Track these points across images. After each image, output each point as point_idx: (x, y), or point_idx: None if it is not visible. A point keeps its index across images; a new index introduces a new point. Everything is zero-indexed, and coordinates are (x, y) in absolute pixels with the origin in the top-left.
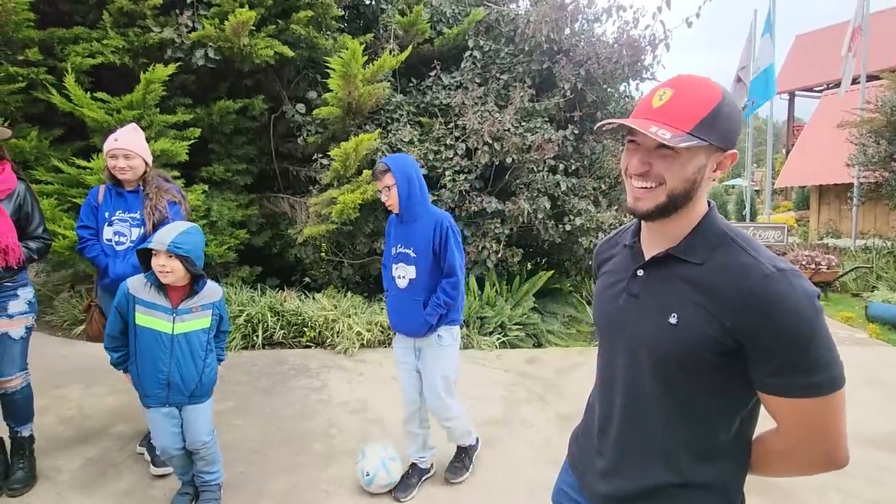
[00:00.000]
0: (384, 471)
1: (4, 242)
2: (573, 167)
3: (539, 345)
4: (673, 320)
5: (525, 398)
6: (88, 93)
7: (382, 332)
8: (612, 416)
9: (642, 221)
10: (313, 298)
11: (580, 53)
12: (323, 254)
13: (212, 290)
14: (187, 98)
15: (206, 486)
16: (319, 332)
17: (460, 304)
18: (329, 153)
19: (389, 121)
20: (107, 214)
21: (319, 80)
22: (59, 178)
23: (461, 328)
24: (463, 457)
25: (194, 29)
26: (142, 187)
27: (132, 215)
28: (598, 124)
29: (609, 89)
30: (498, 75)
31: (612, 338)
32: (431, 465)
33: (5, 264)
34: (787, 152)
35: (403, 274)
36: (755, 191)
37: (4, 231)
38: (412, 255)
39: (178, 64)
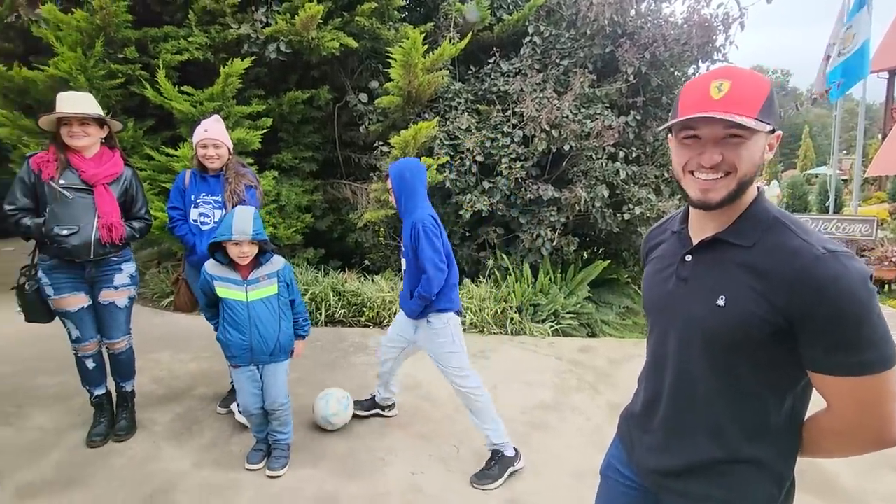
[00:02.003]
0: (335, 416)
1: (110, 220)
2: (634, 154)
3: (593, 335)
4: (721, 302)
5: (576, 386)
6: (176, 87)
7: None
8: (661, 395)
9: (691, 209)
10: (372, 280)
11: (645, 36)
12: (381, 238)
13: (275, 261)
14: (260, 90)
15: (278, 444)
16: (377, 313)
17: (446, 296)
18: (389, 141)
19: (448, 108)
20: (193, 197)
21: (381, 70)
22: (151, 165)
23: (458, 314)
24: (493, 463)
25: (268, 24)
26: (223, 172)
27: (214, 198)
28: (667, 124)
29: (676, 73)
30: (558, 61)
31: (662, 321)
32: (388, 406)
33: (110, 240)
34: (884, 137)
35: (403, 266)
36: (842, 180)
37: (110, 211)
38: (403, 249)
39: (253, 58)
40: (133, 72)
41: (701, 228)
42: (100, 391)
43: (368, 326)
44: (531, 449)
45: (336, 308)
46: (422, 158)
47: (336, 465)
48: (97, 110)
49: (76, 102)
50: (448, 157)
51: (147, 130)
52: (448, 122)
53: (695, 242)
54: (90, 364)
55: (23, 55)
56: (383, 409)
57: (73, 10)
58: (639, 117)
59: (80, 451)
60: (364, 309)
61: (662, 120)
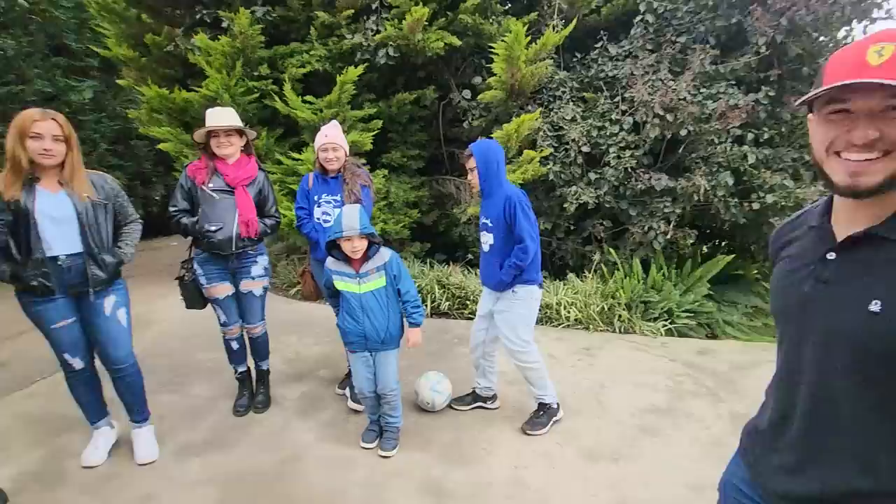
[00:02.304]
0: (436, 394)
1: (247, 217)
2: (766, 136)
3: (713, 336)
4: (875, 308)
5: (693, 391)
6: (300, 97)
7: (539, 309)
8: (793, 412)
9: (835, 199)
10: (476, 274)
11: None
12: None
13: (382, 255)
14: (371, 94)
15: (389, 427)
16: None
17: (535, 267)
18: (492, 136)
19: (552, 99)
20: (315, 197)
21: (484, 66)
22: (280, 169)
23: (540, 287)
24: (541, 414)
25: (378, 31)
26: (341, 174)
27: (334, 197)
28: (809, 95)
29: (821, 38)
30: (673, 38)
31: (795, 328)
32: (489, 397)
33: (247, 234)
34: None
35: (486, 240)
36: None
37: (248, 209)
38: (490, 224)
39: (365, 64)
40: (266, 87)
41: (849, 221)
42: (242, 368)
43: (472, 319)
44: (640, 454)
45: (441, 300)
46: (524, 152)
47: (442, 451)
48: (238, 122)
49: (222, 117)
50: (551, 149)
51: (277, 138)
52: (552, 113)
53: (840, 238)
54: (234, 345)
55: (181, 80)
56: (485, 400)
57: (219, 37)
58: (772, 93)
59: (229, 419)
60: (467, 302)
61: (803, 94)
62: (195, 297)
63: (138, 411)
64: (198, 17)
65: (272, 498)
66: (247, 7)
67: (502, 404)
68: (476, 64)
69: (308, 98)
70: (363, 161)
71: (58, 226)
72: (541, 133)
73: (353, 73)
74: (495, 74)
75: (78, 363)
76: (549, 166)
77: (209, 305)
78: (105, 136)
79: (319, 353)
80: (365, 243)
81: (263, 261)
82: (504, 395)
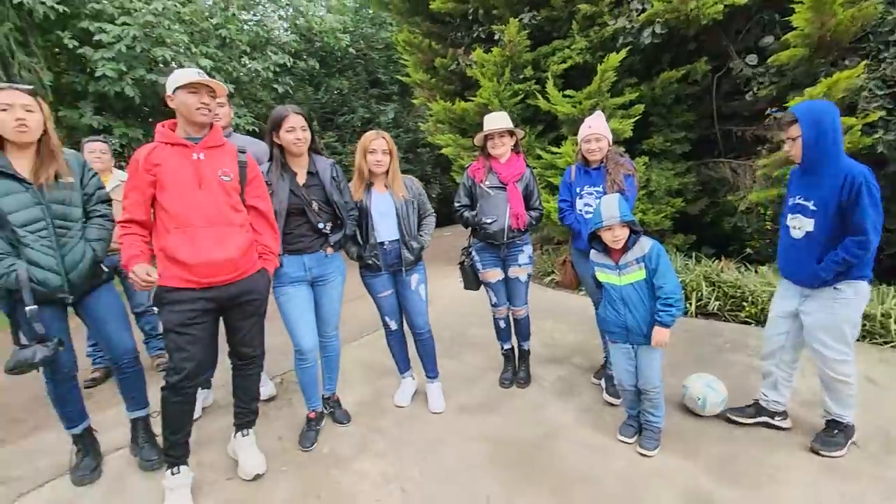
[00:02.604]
0: (711, 391)
1: (517, 211)
2: None
3: None
4: None
5: None
6: (560, 92)
7: None
8: None
9: None
10: (755, 271)
11: None
12: (768, 223)
13: (642, 245)
14: (632, 78)
15: (649, 425)
16: (761, 309)
17: (868, 260)
18: (786, 105)
19: (882, 47)
20: (577, 189)
21: (777, 21)
22: (539, 164)
23: (869, 283)
24: (836, 432)
25: (643, 10)
26: (603, 164)
27: (596, 188)
28: None
29: None
30: None
31: None
32: (778, 413)
33: (517, 226)
34: None
35: (799, 225)
36: None
37: (517, 203)
38: (811, 208)
39: (627, 48)
40: (529, 87)
41: None
42: (507, 346)
43: (749, 324)
44: None
45: (709, 300)
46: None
47: (711, 464)
48: (508, 124)
49: (497, 120)
50: (882, 112)
51: (537, 135)
52: (882, 66)
53: None
54: (502, 324)
55: (460, 93)
56: (772, 416)
57: (492, 49)
58: None
59: (495, 389)
60: (744, 303)
61: None
62: (472, 280)
63: (431, 369)
64: (475, 34)
65: (533, 465)
66: (515, 16)
67: (795, 426)
68: (765, 21)
69: (568, 92)
70: (620, 150)
71: (384, 218)
72: (864, 93)
73: (614, 59)
74: (795, 28)
75: (394, 325)
76: (877, 135)
77: (482, 288)
78: (401, 147)
79: (574, 341)
80: (626, 232)
81: (528, 250)
82: (797, 417)
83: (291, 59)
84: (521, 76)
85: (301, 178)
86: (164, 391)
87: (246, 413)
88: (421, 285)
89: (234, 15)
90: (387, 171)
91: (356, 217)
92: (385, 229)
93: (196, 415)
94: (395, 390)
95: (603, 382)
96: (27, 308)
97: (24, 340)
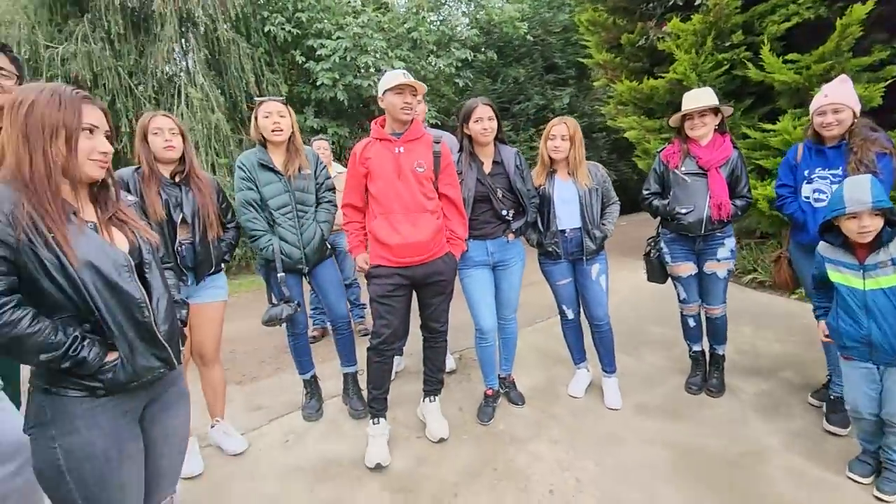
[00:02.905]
0: None
1: (720, 200)
2: None
3: None
4: None
5: None
6: (780, 58)
7: None
8: None
9: None
10: None
11: None
12: None
13: None
14: (883, 33)
15: (892, 465)
16: None
17: None
18: None
19: None
20: (806, 172)
21: None
22: (744, 144)
23: None
24: None
25: None
26: (845, 141)
27: (833, 172)
28: None
29: None
30: None
31: None
32: None
33: (718, 217)
34: None
35: None
36: None
37: (720, 191)
38: None
39: None
40: (737, 56)
41: None
42: (697, 347)
43: None
44: None
45: None
46: None
47: None
48: (713, 101)
49: (698, 98)
50: None
51: (744, 110)
52: None
53: None
54: (691, 322)
55: (648, 70)
56: None
57: (690, 16)
58: None
59: (679, 393)
60: None
61: None
62: (658, 273)
63: (608, 363)
64: (669, 3)
65: (727, 484)
66: None
67: None
68: None
69: (790, 57)
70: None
71: (566, 206)
72: None
73: (860, 10)
74: None
75: (570, 314)
76: None
77: (668, 282)
78: None
79: (781, 352)
80: (879, 223)
81: (730, 243)
82: None
83: (472, 54)
84: (728, 43)
85: (487, 167)
86: (369, 351)
87: (433, 381)
88: (602, 275)
89: (423, 18)
90: (569, 158)
91: (537, 204)
92: (567, 217)
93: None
94: (569, 380)
95: (824, 407)
96: (278, 275)
97: (274, 300)
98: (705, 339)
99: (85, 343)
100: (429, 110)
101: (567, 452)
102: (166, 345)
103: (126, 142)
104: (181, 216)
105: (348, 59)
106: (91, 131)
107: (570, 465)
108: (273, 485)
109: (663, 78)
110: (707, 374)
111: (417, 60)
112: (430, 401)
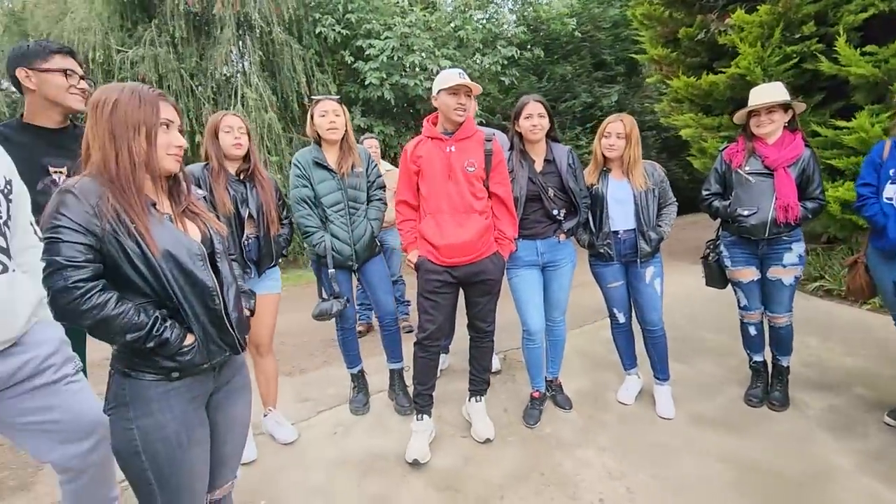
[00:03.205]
0: None
1: (787, 201)
2: None
3: None
4: None
5: None
6: (857, 50)
7: None
8: None
9: None
10: None
11: None
12: None
13: None
14: None
15: None
16: None
17: None
18: None
19: None
20: (892, 172)
21: None
22: (815, 142)
23: None
24: None
25: None
26: None
27: None
28: None
29: None
30: None
31: None
32: None
33: (785, 220)
34: None
35: None
36: None
37: (788, 192)
38: None
39: None
40: (808, 48)
41: None
42: (758, 358)
43: None
44: None
45: None
46: None
47: None
48: (783, 96)
49: (765, 93)
50: None
51: (814, 106)
52: None
53: None
54: (752, 331)
55: (706, 65)
56: None
57: (757, 7)
58: None
59: (737, 404)
60: None
61: None
62: (716, 277)
63: (661, 370)
64: None
65: None
66: None
67: None
68: None
69: (868, 49)
70: None
71: (620, 206)
72: None
73: None
74: None
75: (622, 318)
76: None
77: (727, 287)
78: None
79: (853, 366)
80: None
81: (798, 248)
82: None
83: (518, 51)
84: (797, 35)
85: (539, 165)
86: (415, 346)
87: (479, 381)
88: (657, 279)
89: (470, 16)
90: (624, 157)
91: (589, 204)
92: (620, 218)
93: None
94: (617, 385)
95: None
96: (329, 270)
97: (325, 295)
98: (767, 349)
99: (167, 324)
100: None
101: (617, 461)
102: (234, 331)
103: (187, 140)
104: (248, 211)
105: (395, 58)
106: (167, 126)
107: (620, 474)
108: (321, 476)
109: (724, 73)
110: (769, 387)
111: (463, 59)
112: (476, 401)
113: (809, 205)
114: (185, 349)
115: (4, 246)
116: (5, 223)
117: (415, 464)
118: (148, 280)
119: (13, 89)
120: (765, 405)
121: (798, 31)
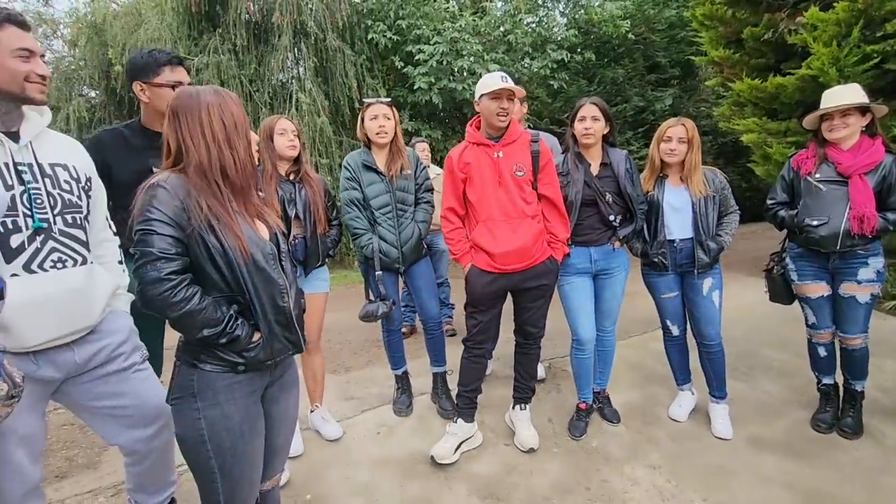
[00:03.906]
0: None
1: (862, 211)
2: None
3: None
4: None
5: None
6: None
7: None
8: None
9: None
10: None
11: None
12: None
13: None
14: None
15: None
16: None
17: None
18: None
19: None
20: None
21: None
22: None
23: None
24: None
25: None
26: None
27: None
28: None
29: None
30: None
31: None
32: None
33: (860, 231)
34: None
35: None
36: None
37: (864, 201)
38: None
39: None
40: (891, 47)
41: None
42: (828, 380)
43: None
44: None
45: None
46: None
47: None
48: (860, 99)
49: (839, 96)
50: None
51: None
52: None
53: None
54: (822, 352)
55: (773, 66)
56: None
57: (833, 4)
58: None
59: (803, 429)
60: None
61: None
62: (781, 292)
63: (717, 387)
64: None
65: None
66: None
67: None
68: None
69: None
70: None
71: (676, 214)
72: None
73: None
74: None
75: (675, 330)
76: None
77: (793, 303)
78: None
79: None
80: None
81: (876, 263)
82: None
83: (568, 55)
84: (879, 34)
85: (595, 169)
86: (463, 349)
87: (524, 389)
88: (715, 291)
89: (520, 20)
90: (684, 163)
91: (645, 210)
92: (677, 226)
93: None
94: (668, 401)
95: None
96: (376, 272)
97: (371, 297)
98: (838, 370)
99: (238, 322)
100: None
101: (668, 480)
102: (297, 328)
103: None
104: (294, 212)
105: (444, 63)
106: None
107: (672, 494)
108: (365, 474)
109: (793, 74)
110: (840, 412)
111: (512, 63)
112: (521, 408)
113: (891, 216)
114: (252, 346)
115: (84, 239)
116: (85, 218)
117: (431, 460)
118: (225, 276)
119: (93, 94)
120: (834, 431)
121: (880, 28)
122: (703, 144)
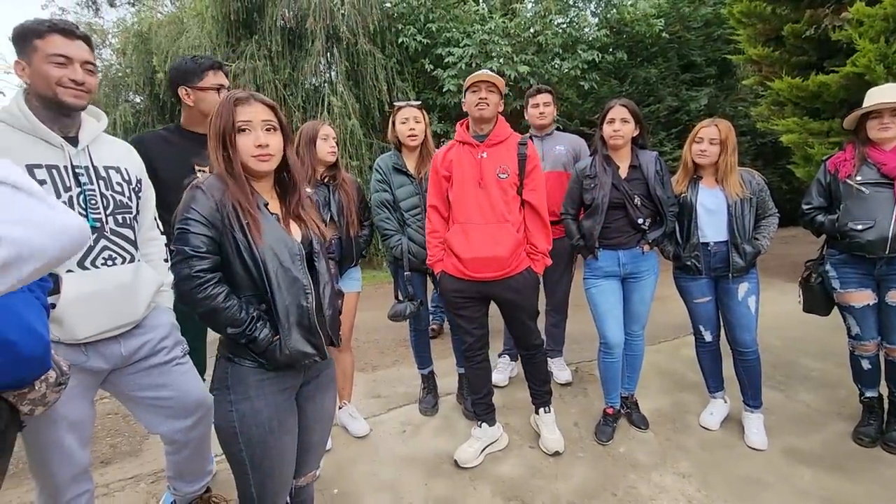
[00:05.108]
0: None
1: None
2: None
3: None
4: None
5: None
6: None
7: None
8: None
9: None
10: None
11: None
12: None
13: None
14: None
15: None
16: None
17: None
18: None
19: None
20: None
21: None
22: None
23: None
24: None
25: None
26: None
27: None
28: None
29: None
30: None
31: None
32: None
33: None
34: None
35: None
36: None
37: None
38: None
39: None
40: None
41: None
42: (871, 393)
43: None
44: None
45: None
46: None
47: None
48: None
49: (889, 93)
50: None
51: None
52: None
53: None
54: (865, 364)
55: (814, 64)
56: None
57: None
58: None
59: (844, 442)
60: None
61: None
62: (819, 302)
63: (752, 396)
64: None
65: None
66: None
67: None
68: None
69: None
70: None
71: (711, 217)
72: None
73: None
74: None
75: (708, 336)
76: None
77: (832, 312)
78: None
79: None
80: None
81: None
82: None
83: (599, 55)
84: None
85: (623, 172)
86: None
87: (541, 393)
88: (751, 296)
89: (550, 21)
90: (718, 164)
91: (675, 213)
92: (712, 229)
93: (503, 383)
94: (698, 408)
95: None
96: (405, 273)
97: (400, 297)
98: (882, 382)
99: (258, 324)
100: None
101: (699, 490)
102: (320, 331)
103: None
104: (329, 214)
105: (474, 65)
106: (245, 129)
107: None
108: (391, 472)
109: (837, 72)
110: (884, 425)
111: (542, 64)
112: (545, 411)
113: None
114: (271, 347)
115: (132, 238)
116: (134, 218)
117: (454, 463)
118: (252, 274)
119: (138, 100)
120: (878, 445)
121: None
122: (740, 145)
